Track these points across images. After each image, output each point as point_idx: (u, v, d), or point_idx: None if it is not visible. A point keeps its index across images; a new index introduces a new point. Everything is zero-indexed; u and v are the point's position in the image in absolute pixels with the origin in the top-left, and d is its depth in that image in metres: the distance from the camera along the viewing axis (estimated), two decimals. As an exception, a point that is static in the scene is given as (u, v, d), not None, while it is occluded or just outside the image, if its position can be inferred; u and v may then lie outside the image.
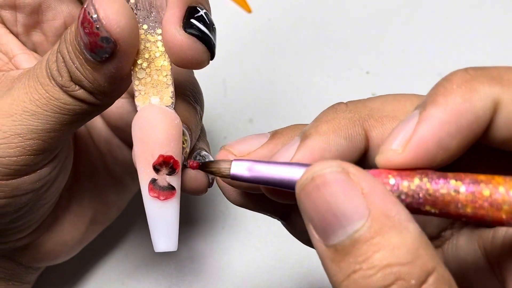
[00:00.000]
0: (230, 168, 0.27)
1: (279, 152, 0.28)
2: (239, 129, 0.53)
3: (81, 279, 0.49)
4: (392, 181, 0.24)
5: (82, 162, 0.41)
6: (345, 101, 0.29)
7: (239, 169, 0.27)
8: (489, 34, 0.56)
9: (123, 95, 0.39)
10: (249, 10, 0.58)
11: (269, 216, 0.32)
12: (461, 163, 0.26)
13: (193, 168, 0.30)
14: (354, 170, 0.22)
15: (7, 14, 0.35)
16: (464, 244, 0.29)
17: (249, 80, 0.55)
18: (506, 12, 0.57)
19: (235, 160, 0.27)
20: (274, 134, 0.29)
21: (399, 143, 0.24)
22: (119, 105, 0.40)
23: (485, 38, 0.56)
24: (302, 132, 0.28)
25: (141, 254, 0.49)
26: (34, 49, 0.37)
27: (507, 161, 0.27)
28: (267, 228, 0.49)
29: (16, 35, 0.36)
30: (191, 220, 0.50)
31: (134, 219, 0.50)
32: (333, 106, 0.28)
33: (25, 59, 0.36)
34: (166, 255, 0.49)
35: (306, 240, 0.31)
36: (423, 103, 0.24)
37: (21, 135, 0.31)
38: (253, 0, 0.58)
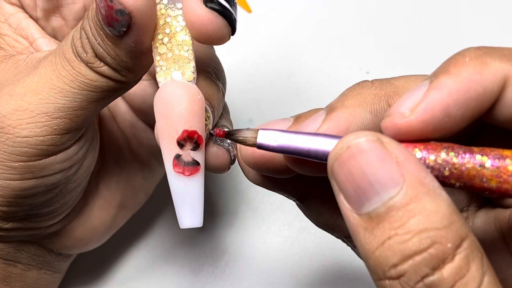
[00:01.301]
0: (256, 137, 0.27)
1: (305, 123, 0.28)
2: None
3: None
4: (418, 154, 0.24)
5: (108, 147, 0.41)
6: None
7: (266, 138, 0.27)
8: (491, 34, 0.56)
9: (146, 77, 0.39)
10: (249, 10, 0.58)
11: (286, 197, 0.32)
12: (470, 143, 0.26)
13: (219, 135, 0.30)
14: (388, 140, 0.23)
15: None
16: (481, 225, 0.30)
17: (249, 80, 0.55)
18: (509, 13, 0.57)
19: (261, 129, 0.27)
20: (298, 117, 0.29)
21: (407, 107, 0.24)
22: (142, 87, 0.40)
23: (487, 38, 0.55)
24: (328, 106, 0.28)
25: (142, 254, 0.49)
26: (54, 34, 0.37)
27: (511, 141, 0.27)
28: (267, 228, 0.49)
29: (35, 20, 0.36)
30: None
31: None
32: (358, 83, 0.29)
33: (45, 43, 0.36)
34: (167, 255, 0.49)
35: (322, 223, 0.32)
36: (435, 73, 0.25)
37: (48, 114, 0.31)
38: (253, 0, 0.58)
